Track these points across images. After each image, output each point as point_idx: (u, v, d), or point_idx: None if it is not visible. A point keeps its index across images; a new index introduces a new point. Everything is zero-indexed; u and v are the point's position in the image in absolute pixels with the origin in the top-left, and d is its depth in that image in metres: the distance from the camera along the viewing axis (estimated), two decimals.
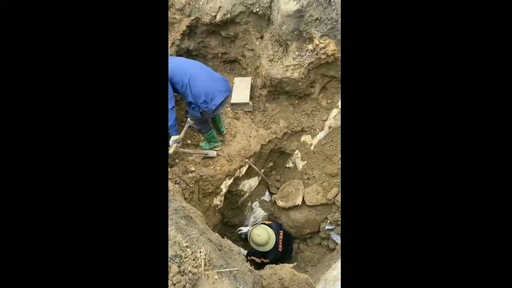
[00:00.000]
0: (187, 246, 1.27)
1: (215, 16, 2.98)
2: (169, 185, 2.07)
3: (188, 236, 1.31)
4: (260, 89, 3.31)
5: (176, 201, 1.85)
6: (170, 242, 1.26)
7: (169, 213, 1.51)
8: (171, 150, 2.37)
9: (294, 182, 3.42)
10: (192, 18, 3.02)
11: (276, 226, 3.13)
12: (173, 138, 2.35)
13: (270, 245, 2.90)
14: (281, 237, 3.02)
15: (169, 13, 2.93)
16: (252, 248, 2.98)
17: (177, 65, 2.29)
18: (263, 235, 2.84)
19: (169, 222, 1.37)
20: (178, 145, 2.47)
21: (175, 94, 2.39)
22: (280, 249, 2.97)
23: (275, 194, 3.49)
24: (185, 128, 2.67)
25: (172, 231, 1.31)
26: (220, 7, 2.94)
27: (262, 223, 3.12)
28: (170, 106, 2.23)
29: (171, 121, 2.26)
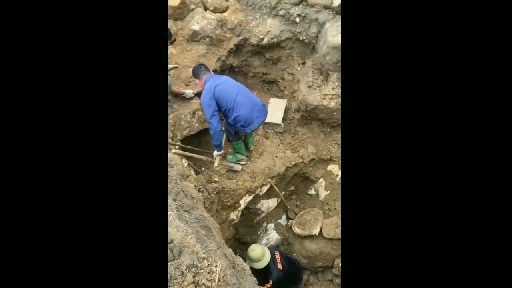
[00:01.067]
0: (204, 258, 1.28)
1: (262, 39, 3.13)
2: (193, 192, 2.13)
3: (206, 248, 1.33)
4: (294, 112, 3.35)
5: (198, 209, 1.89)
6: (188, 250, 1.28)
7: (191, 221, 1.55)
8: (216, 164, 2.65)
9: (314, 211, 3.33)
10: (240, 38, 3.21)
11: (272, 249, 3.03)
12: (217, 153, 2.60)
13: (265, 261, 2.78)
14: (277, 255, 2.91)
15: (220, 31, 3.14)
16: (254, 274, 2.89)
17: (226, 88, 2.43)
18: (257, 250, 2.77)
19: (190, 231, 1.40)
20: (220, 157, 2.69)
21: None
22: (280, 267, 2.84)
23: (293, 219, 3.41)
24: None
25: (192, 240, 1.34)
26: (268, 31, 3.10)
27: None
28: (218, 128, 2.42)
29: (218, 141, 2.51)
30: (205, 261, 1.27)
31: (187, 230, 1.39)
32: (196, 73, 2.54)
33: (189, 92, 2.87)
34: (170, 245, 1.28)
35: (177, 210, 1.55)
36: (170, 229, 1.37)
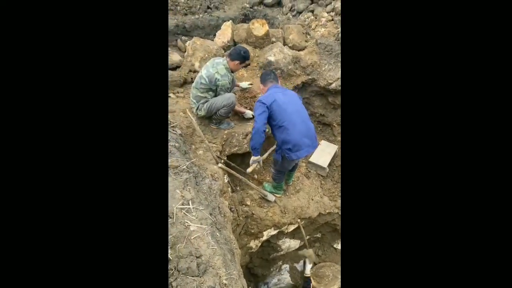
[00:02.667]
0: (225, 284, 1.29)
1: (330, 84, 3.21)
2: (226, 210, 2.17)
3: (229, 275, 1.34)
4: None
5: (226, 229, 1.92)
6: (213, 271, 1.30)
7: (220, 241, 1.58)
8: (249, 170, 2.51)
9: (335, 267, 3.10)
10: (309, 77, 3.33)
11: None
12: (253, 158, 2.42)
13: None
14: None
15: (292, 66, 3.30)
16: None
17: (285, 102, 2.28)
18: None
19: (219, 251, 1.43)
20: (258, 166, 2.54)
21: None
22: None
23: (311, 268, 3.22)
24: (268, 151, 2.82)
25: (219, 261, 1.36)
26: (338, 78, 3.16)
27: None
28: (261, 129, 2.24)
29: (257, 144, 2.29)
30: None
31: (216, 250, 1.42)
32: (263, 78, 2.47)
33: (248, 112, 3.01)
34: (197, 260, 1.32)
35: (211, 226, 1.60)
36: (201, 243, 1.42)
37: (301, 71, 3.32)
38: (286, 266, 3.30)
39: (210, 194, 1.95)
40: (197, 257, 1.33)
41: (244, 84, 3.08)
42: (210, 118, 2.82)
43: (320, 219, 3.10)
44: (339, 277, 2.98)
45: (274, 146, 2.80)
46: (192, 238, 1.40)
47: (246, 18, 4.02)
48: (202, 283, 1.24)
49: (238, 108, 2.96)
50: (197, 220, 1.52)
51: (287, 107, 2.29)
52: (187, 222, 1.48)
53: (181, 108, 2.84)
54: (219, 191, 2.15)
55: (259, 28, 3.33)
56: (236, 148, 2.91)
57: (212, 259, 1.36)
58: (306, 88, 3.47)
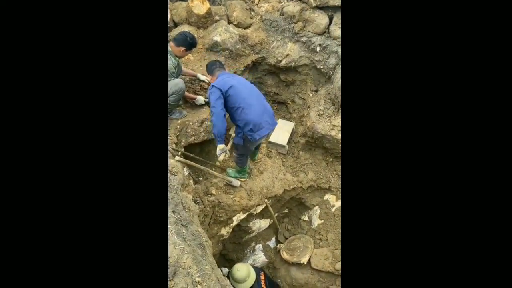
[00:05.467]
0: (198, 282, 1.23)
1: (280, 61, 3.18)
2: (190, 204, 2.08)
3: (202, 271, 1.28)
4: (300, 136, 3.37)
5: (193, 224, 1.84)
6: (184, 272, 1.23)
7: (188, 238, 1.50)
8: (220, 158, 2.44)
9: (305, 238, 3.28)
10: (259, 56, 3.25)
11: (257, 269, 2.96)
12: (219, 147, 2.34)
13: (250, 282, 2.70)
14: (262, 277, 2.83)
15: (240, 46, 3.18)
16: None
17: (237, 87, 2.27)
18: (242, 270, 2.69)
19: (187, 249, 1.35)
20: (226, 155, 2.47)
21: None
22: None
23: (282, 243, 3.35)
24: (230, 143, 2.74)
25: (188, 260, 1.29)
26: (288, 55, 3.15)
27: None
28: (221, 114, 2.18)
29: (221, 131, 2.21)
30: (199, 286, 1.21)
31: (184, 249, 1.34)
32: (210, 69, 2.44)
33: (200, 98, 2.85)
34: None
35: (176, 224, 1.50)
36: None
37: (250, 50, 3.22)
38: (259, 246, 3.38)
39: (170, 191, 1.82)
40: None
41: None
42: None
43: (285, 195, 3.20)
44: (310, 246, 3.16)
45: (233, 133, 2.74)
46: None
47: None
48: (173, 286, 1.16)
49: (188, 94, 2.78)
50: None
51: (241, 90, 2.29)
52: None
53: None
54: (179, 186, 2.02)
55: (199, 5, 3.09)
56: (193, 137, 2.76)
57: (180, 259, 1.28)
58: (257, 67, 3.40)
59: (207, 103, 2.90)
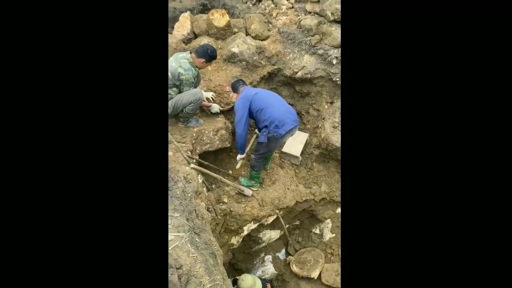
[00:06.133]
0: None
1: (296, 72, 3.21)
2: (203, 212, 2.10)
3: (213, 282, 1.29)
4: (313, 148, 3.35)
5: (206, 232, 1.85)
6: (196, 281, 1.24)
7: (200, 247, 1.51)
8: (238, 166, 2.87)
9: (316, 251, 3.22)
10: (275, 67, 3.30)
11: (264, 281, 2.91)
12: (240, 156, 2.80)
13: None
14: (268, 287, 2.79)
15: (257, 57, 3.24)
16: None
17: (259, 95, 2.54)
18: (247, 280, 2.67)
19: (200, 258, 1.37)
20: (244, 160, 2.86)
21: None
22: None
23: (292, 256, 3.29)
24: (249, 146, 2.93)
25: (201, 269, 1.30)
26: (304, 67, 3.18)
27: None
28: (243, 134, 2.55)
29: (242, 145, 2.67)
30: None
31: (196, 258, 1.36)
32: (234, 87, 2.69)
33: (215, 105, 2.91)
34: (178, 272, 1.24)
35: (190, 233, 1.52)
36: (180, 253, 1.34)
37: (266, 62, 3.27)
38: (268, 257, 3.34)
39: (185, 198, 1.86)
40: (177, 269, 1.25)
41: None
42: (177, 117, 2.67)
43: (297, 207, 3.16)
44: (321, 261, 3.09)
45: (253, 139, 2.97)
46: (170, 248, 1.32)
47: (204, 9, 3.83)
48: None
49: (204, 102, 2.84)
50: (174, 228, 1.43)
51: (264, 95, 2.60)
52: None
53: None
54: (194, 194, 2.05)
55: (219, 18, 3.19)
56: (208, 145, 2.81)
57: (193, 268, 1.29)
58: (273, 78, 3.44)
59: (222, 112, 2.96)
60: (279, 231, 3.33)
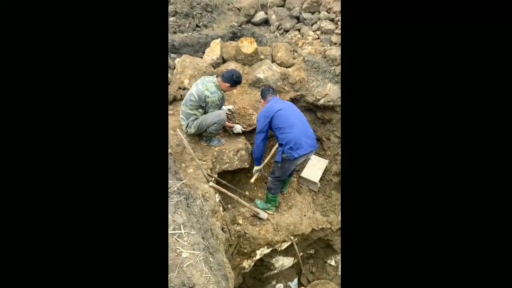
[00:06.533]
0: None
1: (319, 99, 3.27)
2: (218, 231, 2.11)
3: None
4: (333, 175, 3.30)
5: (219, 253, 1.85)
6: None
7: (214, 268, 1.52)
8: (253, 179, 2.84)
9: (330, 285, 3.05)
10: (298, 93, 3.38)
11: None
12: (256, 168, 2.79)
13: None
14: None
15: (281, 83, 3.36)
16: None
17: (282, 113, 2.53)
18: None
19: (213, 279, 1.37)
20: (259, 174, 2.84)
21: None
22: None
23: (305, 287, 3.14)
24: (268, 158, 2.96)
25: None
26: (326, 94, 3.23)
27: None
28: (260, 146, 2.59)
29: (259, 156, 2.69)
30: None
31: (209, 278, 1.36)
32: (263, 94, 2.77)
33: (237, 126, 3.00)
34: None
35: (204, 251, 1.54)
36: (194, 272, 1.36)
37: (290, 88, 3.37)
38: (280, 286, 3.21)
39: (202, 216, 1.89)
40: (191, 287, 1.26)
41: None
42: (201, 136, 2.78)
43: (313, 235, 3.07)
44: None
45: (271, 152, 3.02)
46: (184, 266, 1.34)
47: (234, 36, 4.09)
48: None
49: (227, 123, 2.95)
50: (189, 246, 1.46)
51: (287, 113, 2.56)
52: (178, 249, 1.41)
53: (171, 126, 2.80)
54: (210, 212, 2.09)
55: (247, 46, 3.39)
56: (227, 165, 2.87)
57: None
58: (295, 103, 3.51)
59: (243, 133, 3.05)
60: (293, 258, 3.23)
